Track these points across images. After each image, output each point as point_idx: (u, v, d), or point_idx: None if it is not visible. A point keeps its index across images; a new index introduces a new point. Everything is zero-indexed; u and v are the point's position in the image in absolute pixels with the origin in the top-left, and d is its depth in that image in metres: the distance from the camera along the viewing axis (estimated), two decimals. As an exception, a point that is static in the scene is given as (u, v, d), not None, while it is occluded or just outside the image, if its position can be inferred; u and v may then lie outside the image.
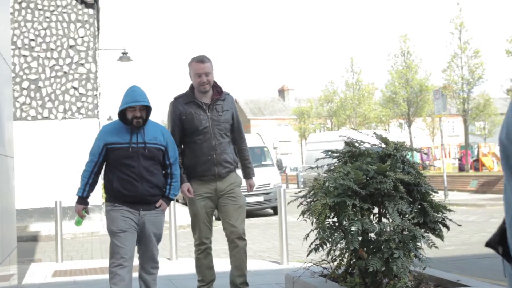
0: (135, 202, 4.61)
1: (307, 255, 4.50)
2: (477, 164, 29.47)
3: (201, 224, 5.15)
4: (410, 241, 4.23)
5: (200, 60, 5.07)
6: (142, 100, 4.56)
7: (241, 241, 5.13)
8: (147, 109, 4.64)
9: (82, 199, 4.74)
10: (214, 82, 5.16)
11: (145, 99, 4.58)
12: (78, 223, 4.99)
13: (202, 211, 5.12)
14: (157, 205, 4.73)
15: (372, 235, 4.37)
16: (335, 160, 4.92)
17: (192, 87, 5.17)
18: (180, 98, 5.18)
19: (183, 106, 5.10)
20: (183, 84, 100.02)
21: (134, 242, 4.66)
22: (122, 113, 4.62)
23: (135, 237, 4.67)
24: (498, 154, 23.44)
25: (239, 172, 5.39)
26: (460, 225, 5.17)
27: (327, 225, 4.31)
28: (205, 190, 5.11)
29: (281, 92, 62.63)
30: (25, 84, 15.50)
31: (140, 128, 4.61)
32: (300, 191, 4.76)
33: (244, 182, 5.39)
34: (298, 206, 4.64)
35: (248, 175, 5.45)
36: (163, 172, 4.82)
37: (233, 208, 5.14)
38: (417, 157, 33.20)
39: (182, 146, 5.19)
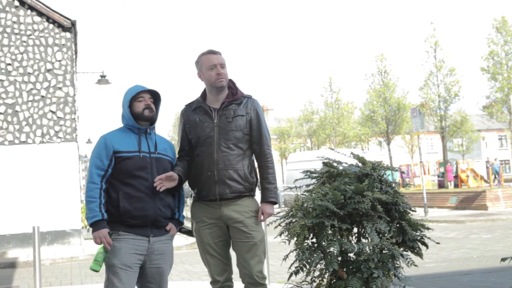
0: (145, 225, 3.76)
1: (288, 279, 4.49)
2: (457, 181, 29.75)
3: (208, 258, 4.15)
4: (389, 260, 4.26)
5: (212, 51, 4.18)
6: (147, 87, 3.91)
7: (257, 287, 4.12)
8: (155, 103, 3.98)
9: (103, 222, 3.67)
10: (231, 82, 4.27)
11: (152, 88, 3.95)
12: (97, 264, 3.65)
13: (208, 241, 4.11)
14: (168, 228, 3.91)
15: (351, 255, 4.38)
16: (314, 180, 4.94)
17: (203, 92, 4.27)
18: (189, 105, 4.30)
19: (190, 113, 4.22)
20: (162, 107, 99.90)
21: (135, 282, 3.78)
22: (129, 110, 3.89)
23: (137, 275, 3.79)
24: (477, 170, 23.87)
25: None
26: (438, 243, 5.20)
27: (306, 246, 4.31)
28: (208, 216, 4.11)
29: (261, 112, 62.77)
30: (2, 109, 15.35)
31: (153, 122, 3.94)
32: (279, 212, 4.75)
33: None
34: (276, 227, 4.63)
35: (263, 197, 4.16)
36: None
37: (245, 246, 4.06)
38: (397, 175, 33.40)
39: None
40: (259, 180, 4.28)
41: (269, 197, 4.14)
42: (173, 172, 3.95)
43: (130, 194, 3.71)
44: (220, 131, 4.07)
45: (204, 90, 4.27)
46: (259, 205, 4.20)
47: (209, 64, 4.12)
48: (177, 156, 4.28)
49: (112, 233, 3.69)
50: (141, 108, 3.86)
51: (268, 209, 4.13)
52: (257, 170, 4.28)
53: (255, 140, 4.18)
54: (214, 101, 4.18)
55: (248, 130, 4.15)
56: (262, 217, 4.13)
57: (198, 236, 4.17)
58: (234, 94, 4.21)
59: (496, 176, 31.86)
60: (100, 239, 3.62)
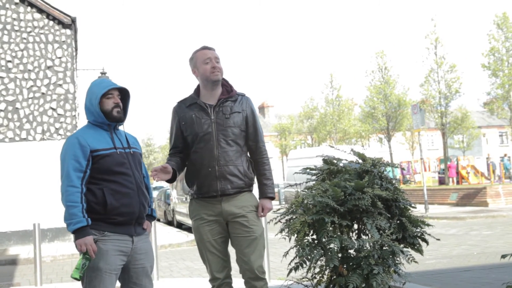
0: (130, 222, 3.62)
1: (288, 275, 4.49)
2: (457, 177, 29.76)
3: (208, 255, 4.10)
4: (390, 257, 4.26)
5: (206, 47, 4.20)
6: (117, 84, 3.76)
7: (258, 282, 4.04)
8: (123, 100, 3.83)
9: (87, 229, 3.48)
10: (224, 80, 4.24)
11: (122, 85, 3.79)
12: (77, 272, 3.45)
13: (208, 238, 4.07)
14: (145, 226, 3.79)
15: (351, 251, 4.38)
16: (314, 177, 4.94)
17: (197, 89, 4.26)
18: (183, 101, 4.26)
19: (184, 110, 4.18)
20: (162, 104, 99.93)
21: (115, 285, 3.63)
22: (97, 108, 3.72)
23: (117, 277, 3.66)
24: (478, 167, 23.78)
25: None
26: (438, 239, 5.20)
27: (306, 242, 4.32)
28: (208, 213, 4.07)
29: (261, 109, 62.77)
30: (3, 106, 15.35)
31: (121, 122, 3.79)
32: (279, 209, 4.75)
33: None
34: (275, 223, 4.63)
35: (262, 193, 4.19)
36: None
37: (246, 241, 4.03)
38: (397, 172, 33.40)
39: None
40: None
41: (268, 193, 4.17)
42: (168, 165, 3.96)
43: (116, 190, 3.57)
44: (218, 127, 4.06)
45: (198, 87, 4.26)
46: (258, 200, 4.19)
47: (203, 58, 4.12)
48: (168, 153, 4.26)
49: (97, 235, 3.52)
50: (110, 106, 3.70)
51: (268, 204, 4.15)
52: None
53: (251, 137, 4.19)
54: (209, 98, 4.16)
55: (244, 127, 4.16)
56: (262, 213, 4.13)
57: (198, 233, 4.13)
58: (229, 92, 4.21)
59: (506, 172, 31.80)
60: (86, 246, 3.44)
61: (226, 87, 4.23)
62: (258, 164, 4.23)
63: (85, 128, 3.76)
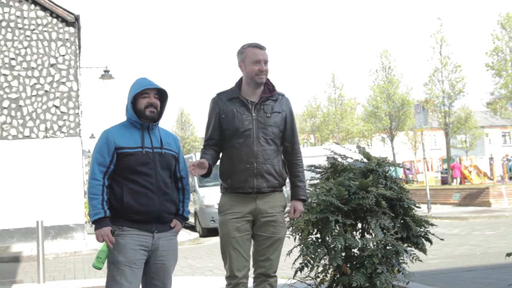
0: (149, 221, 3.69)
1: (294, 276, 4.48)
2: (460, 177, 29.73)
3: (231, 251, 4.04)
4: (393, 256, 4.26)
5: (258, 46, 4.16)
6: (156, 85, 3.79)
7: (270, 278, 4.12)
8: (161, 100, 3.86)
9: (105, 220, 3.61)
10: (267, 79, 4.25)
11: (159, 86, 3.82)
12: (100, 262, 3.60)
13: (234, 235, 4.03)
14: (172, 224, 3.84)
15: (355, 250, 4.38)
16: (318, 175, 4.94)
17: (239, 83, 4.25)
18: (223, 94, 4.23)
19: (225, 103, 4.15)
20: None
21: (140, 279, 3.71)
22: (133, 106, 3.79)
23: (142, 271, 3.73)
24: (480, 167, 23.68)
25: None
26: (442, 239, 5.19)
27: (310, 241, 4.32)
28: (241, 210, 4.04)
29: (264, 108, 62.63)
30: (6, 103, 15.37)
31: (155, 121, 3.83)
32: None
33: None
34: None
35: (295, 194, 4.20)
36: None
37: (269, 240, 4.07)
38: (400, 171, 33.42)
39: (221, 154, 4.27)
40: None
41: (301, 195, 4.18)
42: (204, 160, 3.95)
43: (134, 190, 3.64)
44: (258, 125, 4.06)
45: (240, 81, 4.25)
46: (286, 200, 4.18)
47: (254, 59, 4.10)
48: (203, 144, 4.26)
49: (115, 230, 3.61)
50: (143, 106, 3.75)
51: (300, 206, 4.17)
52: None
53: (288, 138, 4.21)
54: (250, 94, 4.16)
55: (283, 127, 4.17)
56: (294, 214, 4.15)
57: (225, 228, 4.08)
58: (270, 90, 4.21)
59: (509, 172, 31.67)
60: (103, 237, 3.57)
61: (268, 85, 4.23)
62: (293, 165, 4.24)
63: (120, 125, 3.85)
